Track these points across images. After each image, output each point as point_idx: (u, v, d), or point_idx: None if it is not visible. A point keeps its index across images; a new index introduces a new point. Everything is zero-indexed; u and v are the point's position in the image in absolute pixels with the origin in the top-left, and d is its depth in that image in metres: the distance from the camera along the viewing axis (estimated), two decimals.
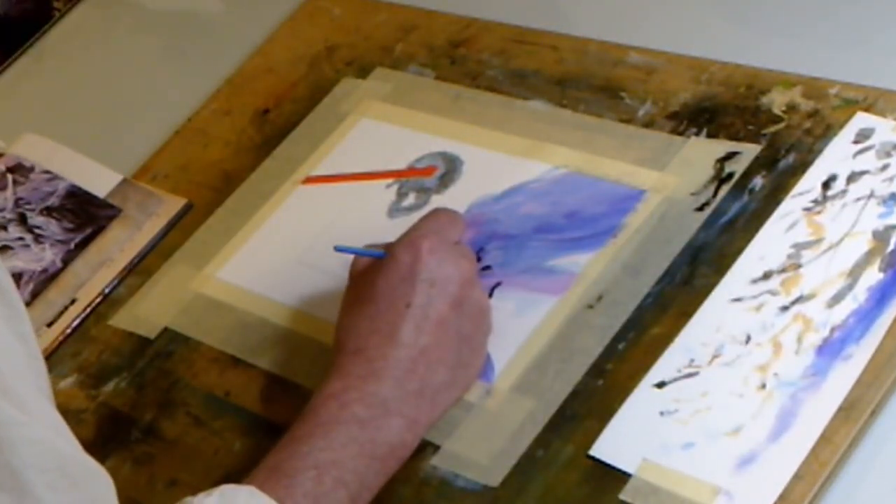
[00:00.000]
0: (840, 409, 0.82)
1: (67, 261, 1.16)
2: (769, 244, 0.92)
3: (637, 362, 0.90)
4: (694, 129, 1.02)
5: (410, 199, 1.08)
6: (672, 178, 0.99)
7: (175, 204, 1.18)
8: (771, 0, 1.11)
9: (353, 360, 0.89)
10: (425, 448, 0.91)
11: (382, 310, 0.90)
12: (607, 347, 0.92)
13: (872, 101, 0.97)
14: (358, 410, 0.87)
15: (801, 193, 0.94)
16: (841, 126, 0.97)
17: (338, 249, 0.96)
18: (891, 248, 0.89)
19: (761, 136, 0.99)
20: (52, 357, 1.10)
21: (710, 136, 1.01)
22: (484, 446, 0.90)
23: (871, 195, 0.92)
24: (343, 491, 0.84)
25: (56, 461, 0.71)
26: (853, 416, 0.82)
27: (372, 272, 0.93)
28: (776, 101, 1.01)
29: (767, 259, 0.91)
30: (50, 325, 1.12)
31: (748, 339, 0.88)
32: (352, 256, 0.97)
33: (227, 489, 0.84)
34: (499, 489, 0.88)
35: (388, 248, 0.94)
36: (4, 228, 1.18)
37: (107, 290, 1.13)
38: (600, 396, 0.89)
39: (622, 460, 0.85)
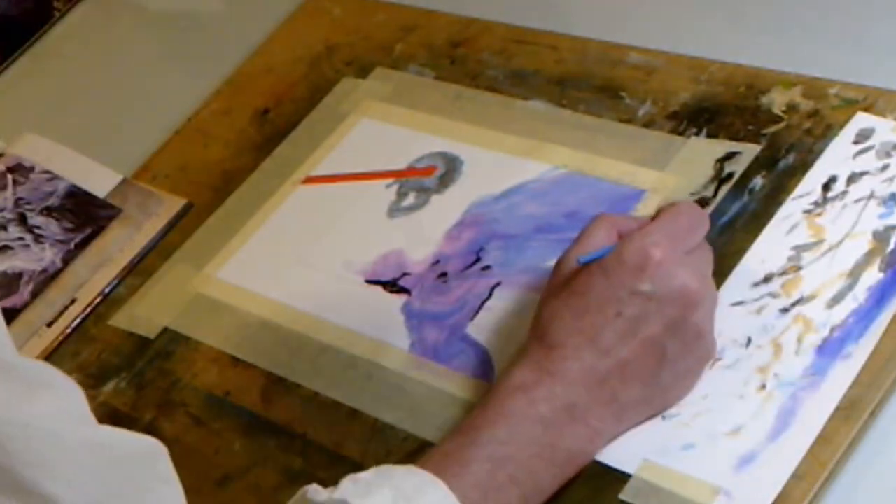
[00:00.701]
0: (839, 409, 0.82)
1: (67, 261, 1.15)
2: (770, 247, 0.92)
3: None
4: (694, 129, 1.02)
5: (410, 199, 1.08)
6: (672, 178, 0.99)
7: (175, 204, 1.18)
8: (771, 0, 1.11)
9: (548, 354, 0.84)
10: (425, 448, 0.91)
11: (591, 310, 0.84)
12: None
13: (872, 101, 0.97)
14: (544, 410, 0.83)
15: (801, 195, 0.94)
16: (841, 126, 0.97)
17: (582, 262, 0.87)
18: (891, 248, 0.89)
19: (761, 136, 0.99)
20: (52, 357, 1.10)
21: (710, 136, 1.01)
22: None
23: (872, 195, 0.92)
24: (516, 490, 0.81)
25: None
26: (853, 416, 0.82)
27: (594, 267, 0.86)
28: (776, 101, 1.01)
29: (768, 262, 0.91)
30: (50, 325, 1.12)
31: (749, 341, 0.88)
32: (352, 259, 0.96)
33: (385, 467, 0.81)
34: None
35: (617, 245, 0.86)
36: (4, 228, 1.18)
37: (107, 290, 1.13)
38: None
39: (622, 460, 0.85)
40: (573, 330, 0.85)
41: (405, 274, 1.02)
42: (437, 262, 1.02)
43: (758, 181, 0.97)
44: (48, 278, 1.14)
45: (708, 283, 0.86)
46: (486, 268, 0.99)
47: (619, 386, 0.84)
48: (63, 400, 0.71)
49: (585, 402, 0.84)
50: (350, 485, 0.80)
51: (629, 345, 0.84)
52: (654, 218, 0.87)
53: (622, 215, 0.92)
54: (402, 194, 1.08)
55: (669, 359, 0.84)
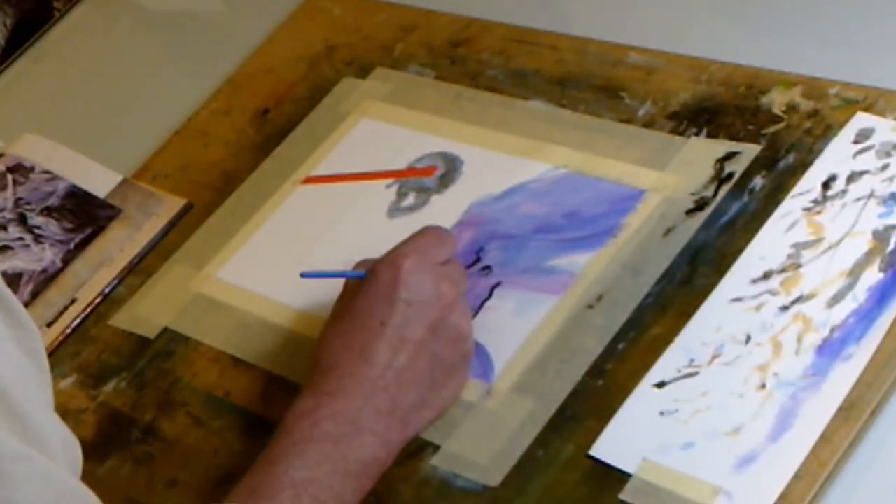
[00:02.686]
0: (840, 409, 0.82)
1: (67, 261, 1.16)
2: (769, 244, 0.92)
3: (637, 362, 0.90)
4: (694, 129, 1.02)
5: (410, 199, 1.08)
6: (672, 178, 0.99)
7: (175, 204, 1.18)
8: (771, 0, 1.11)
9: (324, 377, 0.89)
10: (425, 448, 0.91)
11: (357, 327, 0.90)
12: (607, 347, 0.92)
13: (872, 101, 0.98)
14: (329, 428, 0.87)
15: (801, 193, 0.94)
16: (841, 126, 0.97)
17: (304, 276, 0.96)
18: (891, 248, 0.89)
19: (761, 136, 0.99)
20: (52, 357, 1.09)
21: (710, 136, 1.01)
22: (484, 446, 0.90)
23: (871, 195, 0.92)
24: None
25: (53, 494, 0.71)
26: (853, 416, 0.82)
27: (352, 291, 0.93)
28: (776, 101, 1.01)
29: (767, 259, 0.91)
30: (50, 325, 1.12)
31: (748, 338, 0.88)
32: (351, 259, 0.96)
33: None
34: (499, 489, 0.88)
35: (370, 267, 0.93)
36: (4, 228, 1.18)
37: (107, 290, 1.13)
38: (600, 396, 0.89)
39: (622, 460, 0.85)
40: (342, 349, 0.89)
41: None
42: None
43: (758, 181, 0.97)
44: (48, 278, 1.15)
45: (459, 289, 0.92)
46: (486, 268, 0.99)
47: (397, 392, 0.88)
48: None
49: (367, 413, 0.87)
50: None
51: (399, 351, 0.89)
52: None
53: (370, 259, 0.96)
54: (402, 194, 1.08)
55: (438, 359, 0.90)
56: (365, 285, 0.91)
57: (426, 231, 0.95)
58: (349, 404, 0.88)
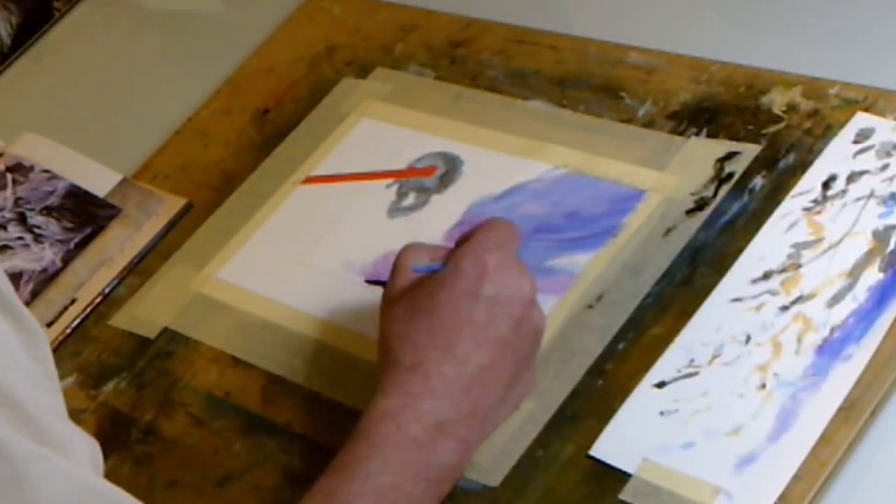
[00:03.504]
0: (840, 409, 0.82)
1: (67, 260, 1.16)
2: (769, 244, 0.92)
3: (637, 362, 0.90)
4: (694, 129, 1.02)
5: (410, 199, 1.08)
6: (672, 178, 0.99)
7: (175, 204, 1.18)
8: (771, 0, 1.11)
9: (409, 376, 0.86)
10: None
11: (444, 324, 0.87)
12: (607, 347, 0.92)
13: (872, 101, 0.98)
14: (415, 432, 0.84)
15: (801, 193, 0.94)
16: (841, 126, 0.97)
17: (415, 270, 0.91)
18: (891, 248, 0.89)
19: (761, 136, 0.99)
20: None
21: (710, 136, 1.01)
22: (484, 446, 0.89)
23: (871, 195, 0.92)
24: None
25: (77, 493, 0.71)
26: (853, 416, 0.82)
27: (431, 284, 0.89)
28: (776, 101, 1.01)
29: (767, 259, 0.91)
30: (50, 325, 1.12)
31: (748, 338, 0.88)
32: (352, 259, 0.96)
33: None
34: (499, 489, 0.88)
35: (450, 260, 0.90)
36: (4, 228, 1.18)
37: (107, 290, 1.13)
38: (600, 396, 0.89)
39: (622, 460, 0.85)
40: (428, 347, 0.86)
41: None
42: None
43: (758, 181, 0.97)
44: (48, 278, 1.15)
45: (536, 285, 0.89)
46: None
47: (481, 392, 0.86)
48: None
49: (453, 416, 0.85)
50: None
51: (484, 349, 0.86)
52: (466, 238, 0.90)
53: (426, 244, 0.93)
54: (402, 194, 1.08)
55: (518, 357, 0.88)
56: (448, 281, 0.88)
57: (500, 225, 0.91)
58: (436, 406, 0.85)
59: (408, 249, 0.92)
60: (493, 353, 0.86)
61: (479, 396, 0.86)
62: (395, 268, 0.91)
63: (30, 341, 0.74)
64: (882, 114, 0.96)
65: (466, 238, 0.91)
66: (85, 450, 0.75)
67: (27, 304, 1.12)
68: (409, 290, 0.90)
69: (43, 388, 0.74)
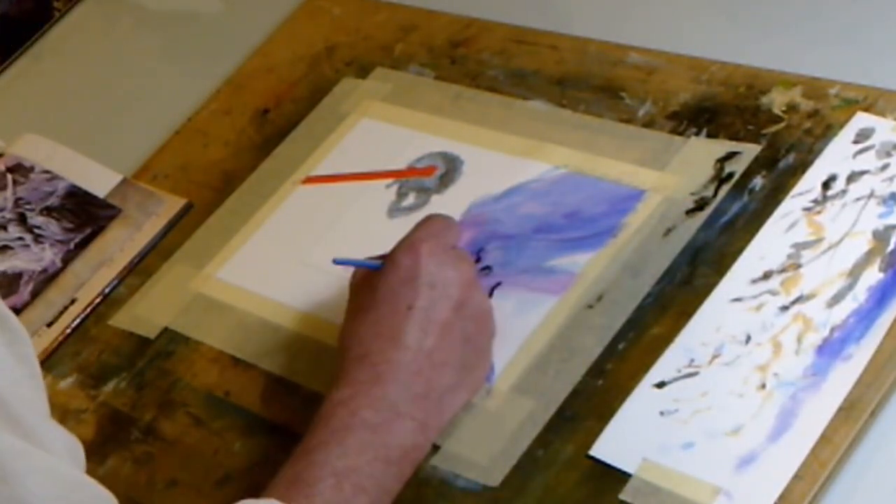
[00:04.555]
0: (840, 409, 0.82)
1: (67, 261, 1.16)
2: (769, 244, 0.92)
3: (637, 362, 0.90)
4: (694, 129, 1.02)
5: (410, 199, 1.08)
6: (672, 178, 0.99)
7: (175, 204, 1.18)
8: (771, 0, 1.11)
9: (357, 365, 0.89)
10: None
11: (385, 314, 0.90)
12: (607, 347, 0.92)
13: (872, 101, 0.97)
14: (367, 415, 0.86)
15: (801, 193, 0.94)
16: (841, 126, 0.97)
17: (337, 262, 0.96)
18: (891, 248, 0.89)
19: (761, 136, 0.99)
20: (52, 357, 1.10)
21: (710, 136, 1.01)
22: (484, 446, 0.90)
23: (871, 195, 0.92)
24: (363, 497, 0.84)
25: (62, 488, 0.72)
26: (853, 416, 0.82)
27: (373, 278, 0.93)
28: (776, 101, 1.01)
29: (767, 259, 0.91)
30: (50, 325, 1.12)
31: (748, 338, 0.88)
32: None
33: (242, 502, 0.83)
34: (499, 489, 0.88)
35: (387, 255, 0.93)
36: (4, 228, 1.18)
37: (107, 290, 1.13)
38: (600, 396, 0.89)
39: (622, 460, 0.85)
40: (373, 336, 0.89)
41: None
42: None
43: (758, 181, 0.97)
44: (48, 278, 1.15)
45: (475, 270, 0.94)
46: (486, 268, 0.99)
47: (431, 375, 0.88)
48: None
49: (405, 399, 0.87)
50: None
51: (429, 333, 0.89)
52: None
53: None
54: (402, 194, 1.08)
55: (467, 338, 0.91)
56: (386, 273, 0.92)
57: (433, 218, 0.96)
58: (386, 390, 0.87)
59: (356, 271, 0.96)
60: (437, 336, 0.89)
61: (429, 378, 0.88)
62: (350, 286, 0.96)
63: (12, 340, 0.75)
64: (882, 114, 0.96)
65: (398, 243, 0.94)
66: (67, 448, 0.76)
67: (27, 304, 1.13)
68: (355, 290, 0.94)
69: (27, 387, 0.75)
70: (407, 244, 0.93)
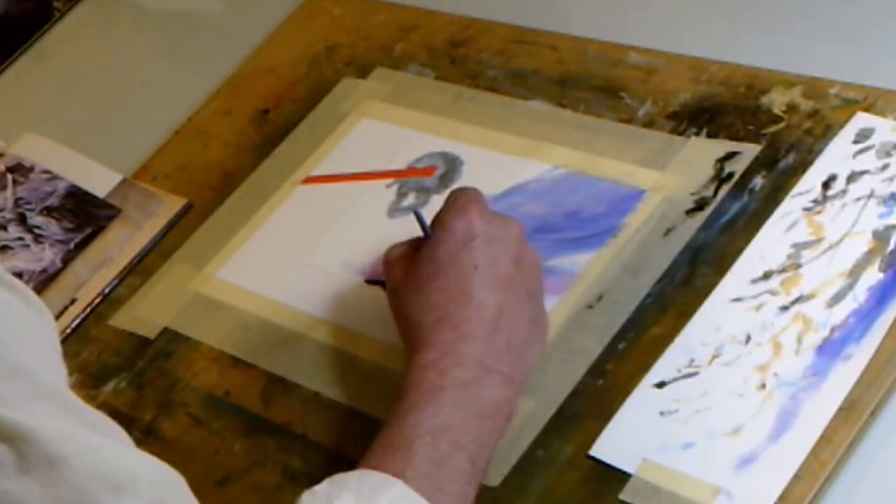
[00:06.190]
0: (840, 409, 0.82)
1: (67, 261, 1.15)
2: (769, 244, 0.92)
3: (637, 362, 0.90)
4: (694, 129, 1.02)
5: (410, 199, 1.08)
6: (672, 178, 0.99)
7: (175, 204, 1.18)
8: (771, 0, 1.11)
9: (438, 329, 0.88)
10: None
11: (452, 278, 0.90)
12: (607, 347, 0.92)
13: (872, 101, 0.98)
14: (458, 374, 0.86)
15: (801, 193, 0.94)
16: (841, 126, 0.97)
17: (417, 213, 0.95)
18: (891, 248, 0.89)
19: (761, 136, 0.99)
20: None
21: (710, 136, 1.01)
22: None
23: (871, 195, 0.92)
24: (462, 452, 0.84)
25: (110, 466, 0.70)
26: (853, 416, 0.82)
27: (427, 252, 0.92)
28: (776, 101, 1.01)
29: (767, 259, 0.91)
30: None
31: (748, 338, 0.88)
32: (352, 259, 0.96)
33: (337, 476, 0.82)
34: (499, 489, 0.88)
35: (436, 226, 0.93)
36: (4, 228, 1.18)
37: (107, 290, 1.13)
38: (600, 396, 0.89)
39: (622, 460, 0.85)
40: (447, 300, 0.89)
41: None
42: None
43: (758, 181, 0.97)
44: (48, 278, 1.14)
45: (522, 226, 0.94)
46: None
47: (509, 329, 0.89)
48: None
49: (490, 354, 0.87)
50: (309, 499, 0.81)
51: (496, 289, 0.89)
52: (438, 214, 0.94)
53: (405, 241, 0.97)
54: (402, 194, 1.08)
55: (529, 290, 0.91)
56: (443, 240, 0.91)
57: (464, 189, 0.96)
58: (472, 348, 0.87)
59: (391, 248, 0.96)
60: (505, 291, 0.90)
61: (507, 332, 0.88)
62: (386, 264, 0.95)
63: (46, 322, 0.75)
64: (882, 114, 0.96)
65: (438, 214, 0.94)
66: (106, 427, 0.75)
67: None
68: (409, 268, 0.93)
69: (59, 364, 0.75)
70: (455, 210, 0.92)
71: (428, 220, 0.94)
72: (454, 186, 1.07)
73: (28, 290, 0.76)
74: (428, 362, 0.87)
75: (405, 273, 0.93)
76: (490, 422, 0.86)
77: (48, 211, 1.19)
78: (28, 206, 1.20)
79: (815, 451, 0.81)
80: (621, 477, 0.84)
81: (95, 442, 0.71)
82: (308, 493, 0.81)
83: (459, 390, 0.86)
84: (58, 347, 0.78)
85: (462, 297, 0.89)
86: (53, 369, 0.75)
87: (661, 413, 0.86)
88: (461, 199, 0.94)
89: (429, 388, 0.86)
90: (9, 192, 1.21)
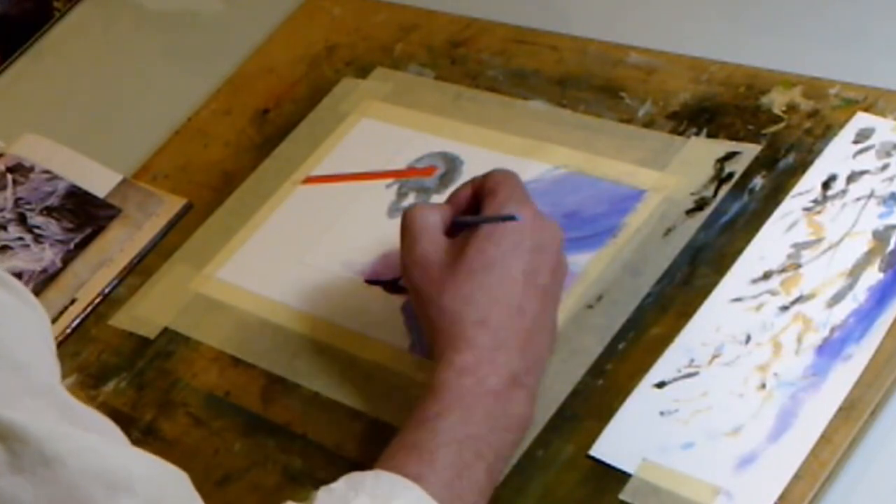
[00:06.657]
0: (840, 409, 0.82)
1: (67, 261, 1.15)
2: (769, 244, 0.92)
3: (637, 362, 0.90)
4: (694, 129, 1.02)
5: (410, 199, 1.08)
6: (672, 178, 0.99)
7: (175, 204, 1.18)
8: (771, 0, 1.11)
9: (478, 332, 0.87)
10: None
11: (496, 279, 0.88)
12: (607, 347, 0.92)
13: (872, 101, 0.98)
14: (493, 383, 0.86)
15: (801, 193, 0.94)
16: (841, 126, 0.97)
17: (458, 222, 0.93)
18: (891, 248, 0.89)
19: (761, 136, 0.99)
20: None
21: (710, 136, 1.01)
22: None
23: (871, 195, 0.92)
24: (482, 463, 0.84)
25: (106, 464, 0.70)
26: (853, 416, 0.82)
27: (476, 241, 0.90)
28: (776, 101, 1.01)
29: (767, 259, 0.91)
30: None
31: (748, 338, 0.88)
32: (352, 259, 0.96)
33: (354, 475, 0.82)
34: (499, 489, 0.88)
35: (493, 208, 0.91)
36: (4, 228, 1.18)
37: (107, 290, 1.13)
38: (600, 396, 0.89)
39: (622, 460, 0.85)
40: (491, 302, 0.88)
41: None
42: None
43: (758, 181, 0.97)
44: (48, 278, 1.14)
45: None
46: None
47: (539, 341, 0.88)
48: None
49: (522, 366, 0.87)
50: (325, 496, 0.81)
51: (535, 299, 0.89)
52: (480, 187, 0.93)
53: (428, 203, 0.96)
54: (402, 194, 1.08)
55: (556, 300, 0.91)
56: (495, 234, 0.90)
57: (506, 175, 0.94)
58: (510, 358, 0.87)
59: (417, 210, 0.93)
60: (541, 302, 0.89)
61: (538, 345, 0.88)
62: (413, 230, 0.92)
63: (40, 319, 0.75)
64: (882, 114, 0.96)
65: (480, 187, 0.93)
66: (104, 425, 0.75)
67: None
68: (452, 251, 0.91)
69: (53, 361, 0.75)
70: (513, 205, 0.91)
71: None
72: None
73: (22, 287, 0.76)
74: (465, 366, 0.86)
75: (445, 251, 0.91)
76: (512, 435, 0.86)
77: (48, 211, 1.19)
78: (28, 206, 1.20)
79: (815, 451, 0.81)
80: (621, 477, 0.84)
81: (90, 440, 0.70)
82: (325, 490, 0.81)
83: (492, 401, 0.85)
84: (52, 345, 0.78)
85: (506, 302, 0.88)
86: (47, 367, 0.74)
87: (661, 413, 0.86)
88: (513, 195, 0.91)
89: (462, 393, 0.85)
90: (9, 192, 1.21)
